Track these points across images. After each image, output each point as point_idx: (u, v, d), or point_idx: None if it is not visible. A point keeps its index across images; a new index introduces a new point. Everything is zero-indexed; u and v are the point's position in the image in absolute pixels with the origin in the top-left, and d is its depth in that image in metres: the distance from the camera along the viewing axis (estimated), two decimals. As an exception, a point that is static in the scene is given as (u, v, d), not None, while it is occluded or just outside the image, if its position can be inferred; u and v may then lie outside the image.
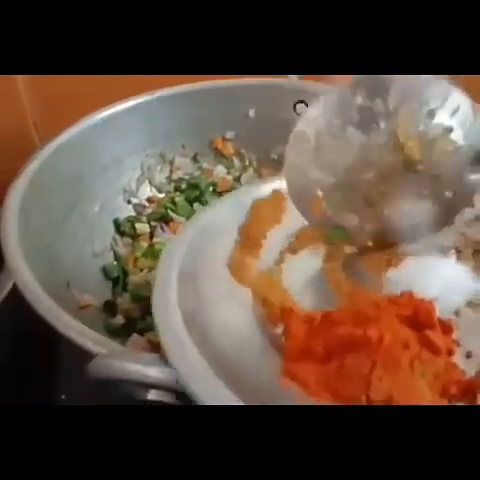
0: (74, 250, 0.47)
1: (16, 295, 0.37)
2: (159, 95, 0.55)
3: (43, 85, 0.60)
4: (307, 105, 0.55)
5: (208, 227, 0.37)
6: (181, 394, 0.28)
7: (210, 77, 0.55)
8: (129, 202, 0.56)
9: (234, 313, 0.33)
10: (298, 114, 0.56)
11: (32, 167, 0.45)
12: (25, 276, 0.36)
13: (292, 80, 0.57)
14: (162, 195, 0.57)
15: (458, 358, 0.30)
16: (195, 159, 0.59)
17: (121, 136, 0.53)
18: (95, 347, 0.31)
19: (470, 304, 0.35)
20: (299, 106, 0.56)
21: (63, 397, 0.47)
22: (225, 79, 0.56)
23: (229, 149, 0.60)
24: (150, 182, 0.56)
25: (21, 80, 0.60)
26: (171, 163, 0.58)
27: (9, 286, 0.52)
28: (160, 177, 0.57)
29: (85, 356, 0.32)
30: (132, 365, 0.26)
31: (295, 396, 0.28)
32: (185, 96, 0.56)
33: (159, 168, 0.57)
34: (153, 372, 0.26)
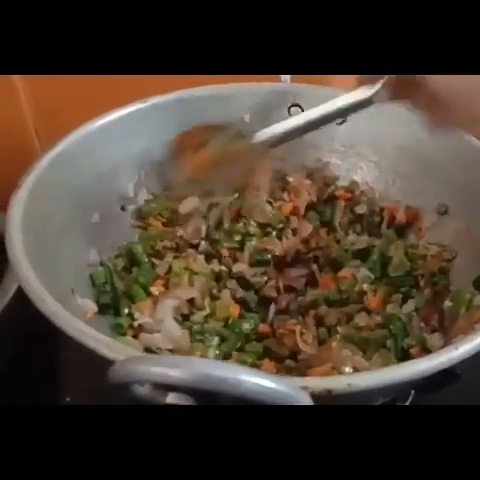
0: (77, 259, 0.47)
1: (20, 298, 0.37)
2: (153, 102, 0.55)
3: (44, 94, 0.60)
4: (301, 108, 0.56)
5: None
6: (201, 396, 0.28)
7: (204, 82, 0.56)
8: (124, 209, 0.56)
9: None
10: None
11: (30, 179, 0.45)
12: (36, 288, 0.37)
13: (286, 84, 0.57)
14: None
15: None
16: (191, 165, 0.59)
17: (117, 144, 0.53)
18: (112, 353, 0.32)
19: None
20: (293, 109, 0.57)
21: (68, 399, 0.48)
22: (219, 84, 0.57)
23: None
24: (147, 189, 0.57)
25: (22, 89, 0.60)
26: (167, 170, 0.58)
27: (13, 290, 0.51)
28: (157, 184, 0.57)
29: (97, 360, 0.33)
30: (155, 368, 0.26)
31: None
32: (180, 103, 0.56)
33: (156, 175, 0.57)
34: (176, 373, 0.26)
